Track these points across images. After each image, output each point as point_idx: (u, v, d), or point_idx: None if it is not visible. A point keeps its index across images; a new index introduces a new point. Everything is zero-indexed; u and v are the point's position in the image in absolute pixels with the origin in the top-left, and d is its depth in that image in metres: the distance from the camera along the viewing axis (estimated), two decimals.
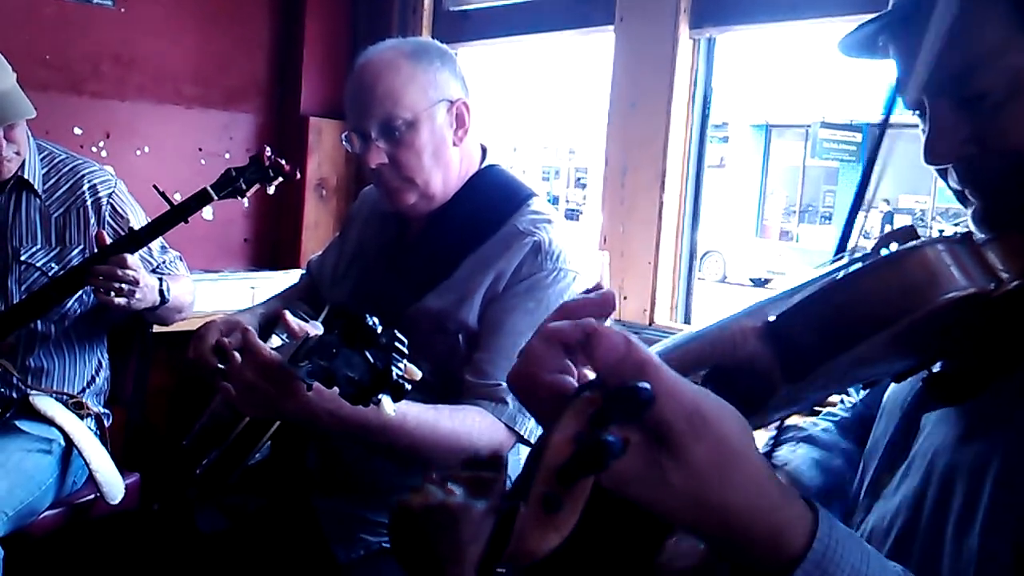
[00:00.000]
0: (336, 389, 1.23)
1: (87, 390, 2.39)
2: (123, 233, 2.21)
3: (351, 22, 3.64)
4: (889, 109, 0.88)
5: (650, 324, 2.66)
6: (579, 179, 22.81)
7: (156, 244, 2.31)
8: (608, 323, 0.64)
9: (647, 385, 0.55)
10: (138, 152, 3.30)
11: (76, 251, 2.30)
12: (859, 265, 0.70)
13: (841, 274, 0.69)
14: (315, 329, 1.59)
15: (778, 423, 0.93)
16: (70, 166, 2.35)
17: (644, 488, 0.58)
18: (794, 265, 13.98)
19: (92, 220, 2.31)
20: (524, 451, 1.65)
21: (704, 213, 2.76)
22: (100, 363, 2.45)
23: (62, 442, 2.24)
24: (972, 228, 0.81)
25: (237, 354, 1.40)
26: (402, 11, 3.44)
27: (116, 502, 2.22)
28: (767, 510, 0.61)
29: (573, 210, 20.66)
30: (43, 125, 2.44)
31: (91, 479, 2.23)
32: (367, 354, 1.20)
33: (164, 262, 2.40)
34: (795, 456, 1.09)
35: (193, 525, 1.74)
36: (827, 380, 0.71)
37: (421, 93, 1.67)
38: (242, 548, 1.70)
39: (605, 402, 0.55)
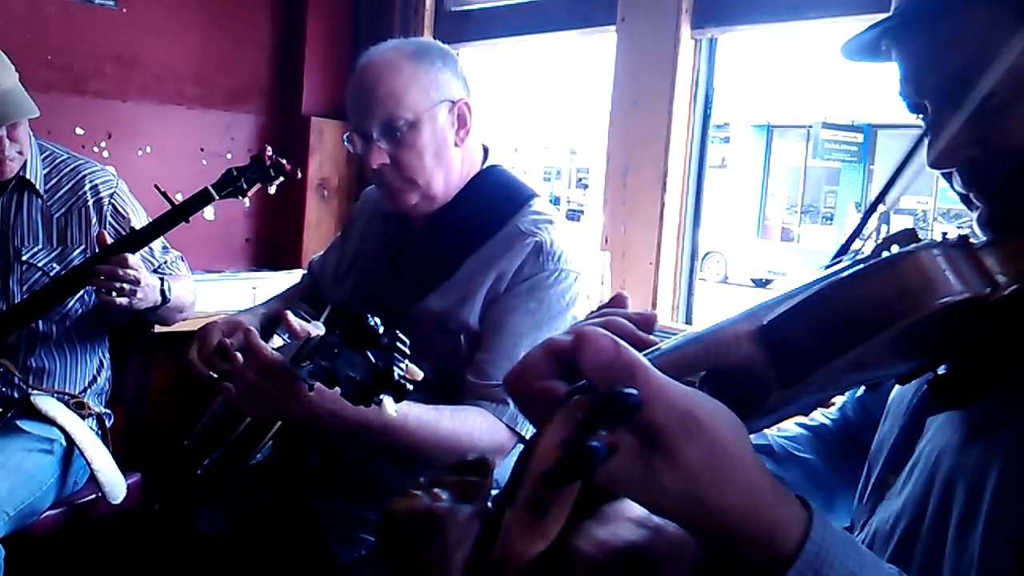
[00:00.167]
0: (338, 389, 1.23)
1: (88, 390, 2.39)
2: (124, 233, 2.21)
3: (353, 22, 3.64)
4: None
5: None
6: (580, 179, 22.80)
7: (157, 244, 2.31)
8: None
9: (634, 391, 0.55)
10: (140, 152, 3.30)
11: (77, 251, 2.30)
12: (855, 269, 0.70)
13: (836, 278, 0.69)
14: (317, 329, 1.59)
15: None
16: (72, 166, 2.35)
17: (638, 489, 0.58)
18: (795, 266, 13.97)
19: (93, 220, 2.31)
20: None
21: (705, 213, 2.76)
22: (101, 363, 2.45)
23: (63, 442, 2.24)
24: (977, 231, 0.80)
25: (239, 354, 1.40)
26: (403, 11, 3.44)
27: (117, 502, 2.22)
28: (761, 509, 0.61)
29: (574, 211, 20.66)
30: (45, 125, 2.44)
31: (92, 479, 2.23)
32: (369, 354, 1.20)
33: (165, 262, 2.40)
34: None
35: (194, 525, 1.74)
36: (823, 383, 0.71)
37: (423, 93, 1.67)
38: (243, 548, 1.70)
39: (592, 407, 0.55)
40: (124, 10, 3.19)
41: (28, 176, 2.27)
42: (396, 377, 1.19)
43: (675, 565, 0.67)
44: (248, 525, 1.75)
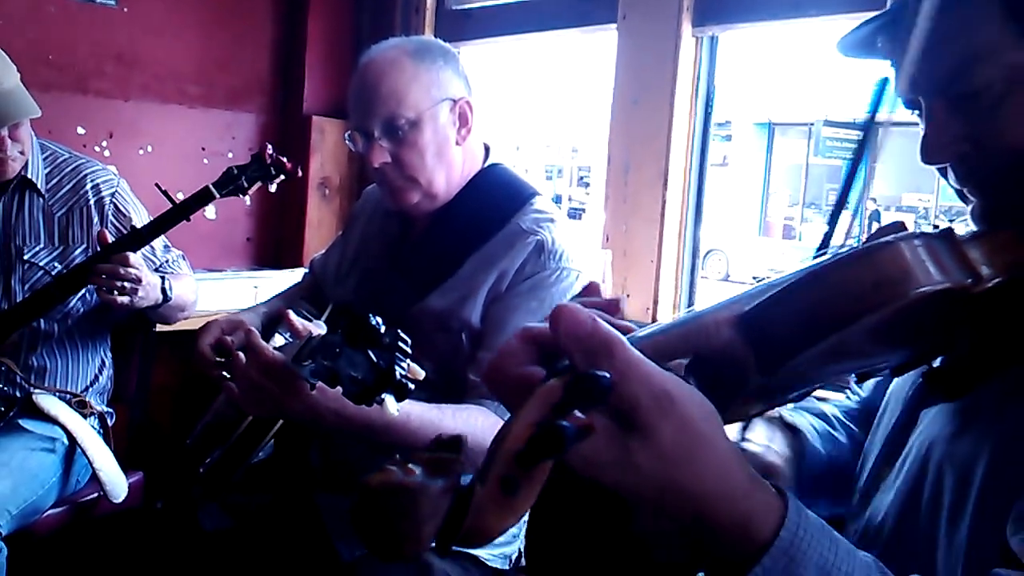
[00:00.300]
0: (339, 389, 1.23)
1: (90, 389, 2.39)
2: (126, 232, 2.21)
3: (354, 21, 3.64)
4: (875, 107, 0.88)
5: (653, 323, 2.65)
6: (582, 178, 22.79)
7: (159, 243, 2.32)
8: None
9: (607, 374, 0.56)
10: (141, 151, 3.30)
11: (79, 250, 2.30)
12: (835, 258, 0.70)
13: (816, 267, 0.69)
14: (318, 328, 1.59)
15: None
16: (73, 165, 2.35)
17: (613, 472, 0.58)
18: (797, 264, 13.91)
19: (95, 219, 2.31)
20: None
21: (707, 211, 2.76)
22: (103, 362, 2.45)
23: (65, 441, 2.25)
24: (972, 226, 0.81)
25: (241, 353, 1.40)
26: (405, 10, 3.44)
27: (119, 500, 2.23)
28: (736, 497, 0.61)
29: (576, 209, 20.65)
30: (46, 124, 2.44)
31: (94, 477, 2.23)
32: (370, 353, 1.20)
33: (167, 261, 2.40)
34: (803, 422, 1.10)
35: (196, 523, 1.75)
36: (805, 371, 0.71)
37: (424, 92, 1.67)
38: (245, 546, 1.70)
39: (567, 389, 0.56)
40: (125, 9, 3.19)
41: (30, 175, 2.27)
42: (398, 376, 1.20)
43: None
44: (250, 523, 1.76)
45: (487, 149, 1.83)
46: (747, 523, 0.61)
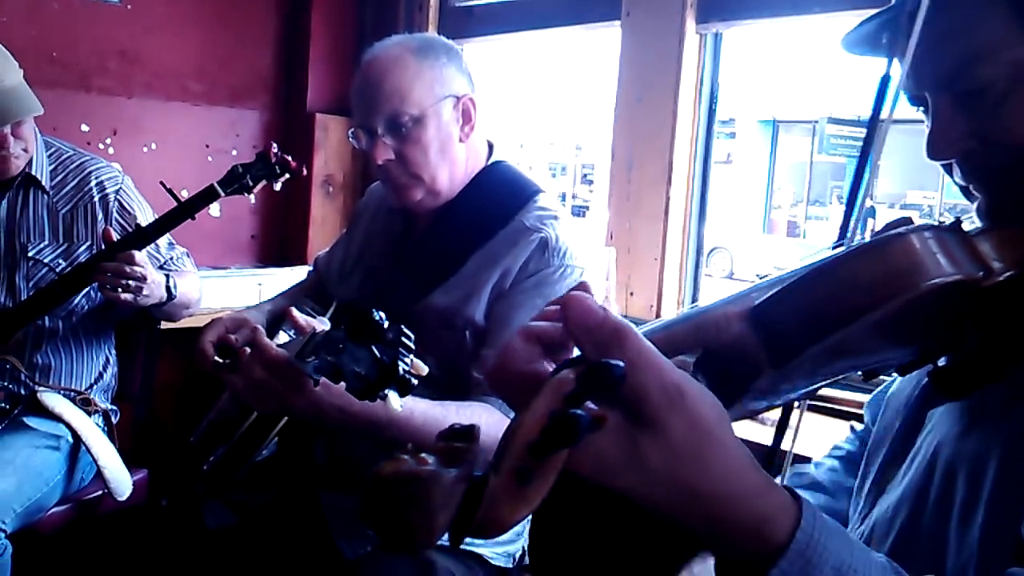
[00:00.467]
0: (343, 384, 1.23)
1: (94, 386, 2.40)
2: (130, 229, 2.21)
3: (357, 18, 3.64)
4: (878, 105, 0.88)
5: (656, 320, 2.65)
6: (586, 175, 22.77)
7: (163, 240, 2.32)
8: None
9: (620, 363, 0.55)
10: (145, 149, 3.30)
11: (83, 247, 2.31)
12: (846, 251, 0.69)
13: (828, 259, 0.69)
14: (322, 325, 1.59)
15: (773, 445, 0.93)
16: (77, 163, 2.35)
17: (625, 472, 0.57)
18: (802, 260, 13.89)
19: (99, 216, 2.31)
20: None
21: (711, 209, 2.75)
22: (107, 359, 2.46)
23: (70, 438, 2.25)
24: (977, 222, 0.80)
25: (247, 348, 1.40)
26: (408, 7, 3.44)
27: (124, 498, 2.23)
28: (749, 497, 0.60)
29: (580, 206, 20.63)
30: (50, 122, 2.45)
31: (99, 475, 2.23)
32: (373, 349, 1.20)
33: (171, 258, 2.40)
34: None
35: (200, 521, 1.75)
36: (814, 366, 0.71)
37: (427, 89, 1.67)
38: (249, 544, 1.71)
39: (579, 379, 0.55)
40: (128, 7, 3.19)
41: (34, 173, 2.27)
42: (401, 372, 1.19)
43: None
44: (254, 521, 1.76)
45: (490, 146, 1.83)
46: (761, 525, 0.60)
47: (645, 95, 2.67)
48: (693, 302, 2.73)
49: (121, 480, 2.24)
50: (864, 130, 0.91)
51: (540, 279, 1.64)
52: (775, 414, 0.96)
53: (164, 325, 2.52)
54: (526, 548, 1.74)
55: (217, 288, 2.95)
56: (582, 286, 0.75)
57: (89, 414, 2.31)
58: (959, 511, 0.77)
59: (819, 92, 17.42)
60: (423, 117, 1.67)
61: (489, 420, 1.54)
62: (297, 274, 2.68)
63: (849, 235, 0.90)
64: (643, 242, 2.68)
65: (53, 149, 2.35)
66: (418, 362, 1.23)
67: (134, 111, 3.26)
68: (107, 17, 3.16)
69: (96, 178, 2.33)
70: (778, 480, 0.63)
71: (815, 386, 0.80)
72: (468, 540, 0.56)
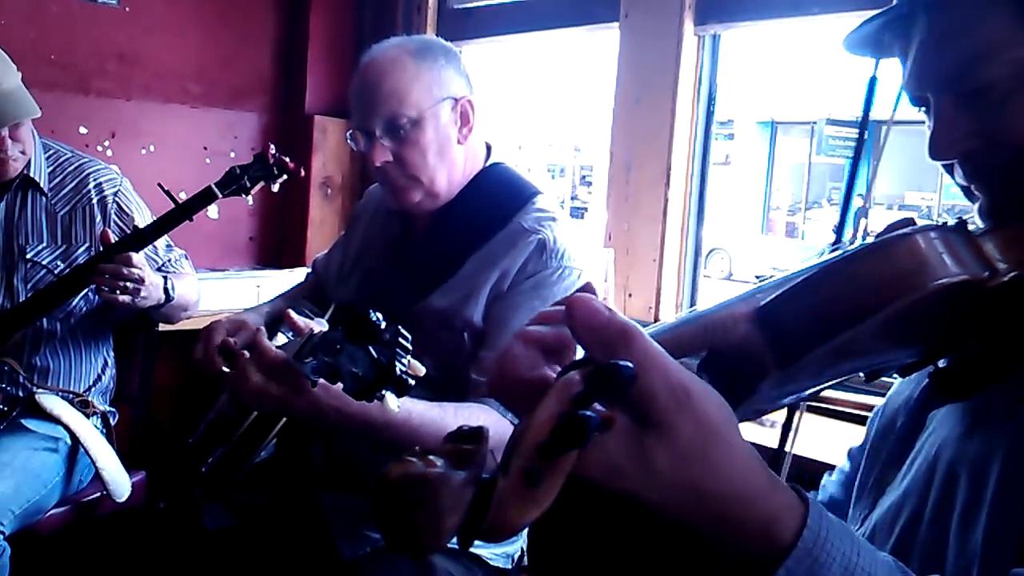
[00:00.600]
0: (341, 385, 1.23)
1: (93, 388, 2.39)
2: (128, 231, 2.21)
3: (356, 20, 3.64)
4: (867, 107, 0.88)
5: (655, 321, 2.65)
6: (584, 177, 22.77)
7: (161, 242, 2.32)
8: None
9: (630, 364, 0.55)
10: (143, 151, 3.30)
11: (82, 249, 2.31)
12: (851, 251, 0.69)
13: (833, 260, 0.69)
14: (320, 326, 1.59)
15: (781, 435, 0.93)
16: (76, 165, 2.35)
17: (630, 475, 0.57)
18: (800, 262, 13.90)
19: (98, 218, 2.31)
20: None
21: (710, 210, 2.76)
22: (106, 361, 2.46)
23: (68, 440, 2.25)
24: (978, 223, 0.80)
25: (246, 351, 1.40)
26: (406, 9, 3.44)
27: (122, 500, 2.22)
28: (756, 497, 0.60)
29: (578, 208, 20.63)
30: (49, 124, 2.45)
31: (97, 477, 2.23)
32: (371, 349, 1.20)
33: (169, 260, 2.40)
34: None
35: (199, 522, 1.75)
36: (820, 367, 0.71)
37: (426, 91, 1.67)
38: (248, 545, 1.71)
39: (588, 380, 0.55)
40: (127, 9, 3.19)
41: (32, 175, 2.27)
42: (398, 372, 1.19)
43: None
44: (252, 522, 1.76)
45: (489, 148, 1.83)
46: (768, 524, 0.60)
47: (644, 96, 2.67)
48: (691, 303, 2.73)
49: (119, 482, 2.23)
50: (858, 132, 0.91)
51: (538, 281, 1.64)
52: (776, 415, 0.96)
53: (162, 327, 2.52)
54: (525, 549, 1.74)
55: (215, 290, 2.95)
56: (587, 287, 0.75)
57: (87, 416, 2.31)
58: (961, 513, 0.77)
59: (817, 93, 17.42)
60: (421, 119, 1.67)
61: (488, 421, 1.53)
62: (295, 276, 2.68)
63: (844, 235, 0.90)
64: (641, 243, 2.68)
65: (51, 151, 2.35)
66: (415, 363, 1.23)
67: (132, 113, 3.26)
68: (106, 19, 3.16)
69: (94, 180, 2.33)
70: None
71: (820, 387, 0.80)
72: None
